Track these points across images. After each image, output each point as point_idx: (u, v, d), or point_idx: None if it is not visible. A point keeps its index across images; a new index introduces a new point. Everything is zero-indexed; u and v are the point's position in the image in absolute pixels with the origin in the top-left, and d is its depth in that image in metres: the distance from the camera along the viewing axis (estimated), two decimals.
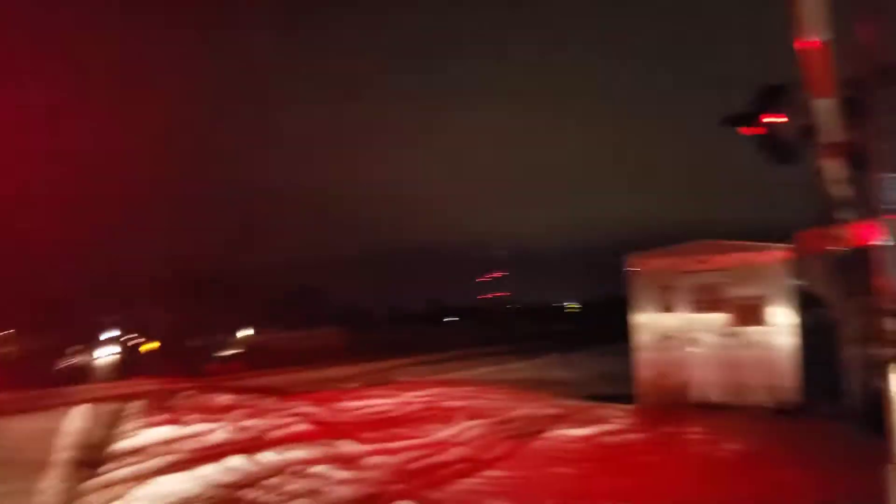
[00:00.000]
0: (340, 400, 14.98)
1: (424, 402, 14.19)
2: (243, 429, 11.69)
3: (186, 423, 12.16)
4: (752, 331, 12.19)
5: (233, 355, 37.42)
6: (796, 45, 5.28)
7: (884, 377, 5.84)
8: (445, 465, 8.88)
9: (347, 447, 9.95)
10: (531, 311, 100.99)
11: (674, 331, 12.94)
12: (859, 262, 5.62)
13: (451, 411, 12.82)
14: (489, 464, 8.80)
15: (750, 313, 12.23)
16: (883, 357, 5.70)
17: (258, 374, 24.61)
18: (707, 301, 12.69)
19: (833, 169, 5.43)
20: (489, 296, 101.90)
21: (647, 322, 13.16)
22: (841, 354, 6.02)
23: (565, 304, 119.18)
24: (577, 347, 30.97)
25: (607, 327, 21.87)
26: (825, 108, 5.36)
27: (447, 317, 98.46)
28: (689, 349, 12.76)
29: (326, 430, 11.22)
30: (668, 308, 13.05)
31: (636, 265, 13.35)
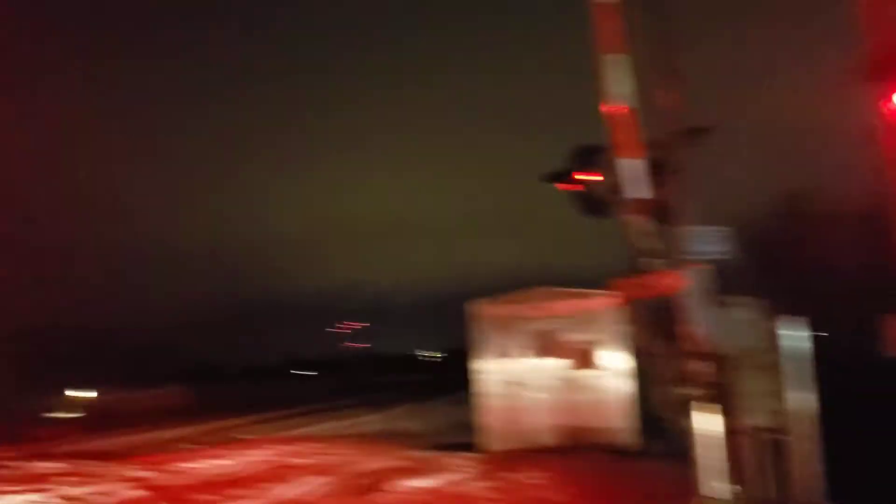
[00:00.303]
0: (179, 461, 14.22)
1: (269, 461, 13.73)
2: (69, 498, 10.83)
3: (4, 494, 11.13)
4: (588, 375, 12.74)
5: (69, 417, 34.72)
6: (602, 110, 5.71)
7: (687, 415, 6.28)
8: None
9: None
10: (390, 361, 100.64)
11: (514, 377, 13.30)
12: (667, 309, 6.01)
13: (296, 469, 12.47)
14: None
15: (586, 358, 12.79)
16: (686, 396, 6.13)
17: (96, 436, 22.96)
18: (545, 347, 13.17)
19: (640, 223, 5.84)
20: (347, 347, 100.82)
21: (489, 369, 13.45)
22: (653, 395, 6.41)
23: (426, 353, 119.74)
24: (433, 397, 31.12)
25: (465, 376, 22.15)
26: (630, 168, 5.79)
27: (303, 370, 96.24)
28: (529, 395, 13.12)
29: (159, 495, 10.59)
30: (508, 354, 13.42)
31: (476, 313, 13.67)
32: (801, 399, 7.05)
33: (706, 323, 5.46)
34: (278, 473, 12.15)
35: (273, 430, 20.89)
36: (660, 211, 6.32)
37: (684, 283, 5.49)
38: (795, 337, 6.85)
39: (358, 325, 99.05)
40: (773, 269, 26.76)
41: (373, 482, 10.91)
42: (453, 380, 36.14)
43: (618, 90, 5.74)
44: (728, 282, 6.19)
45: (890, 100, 3.88)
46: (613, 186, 6.06)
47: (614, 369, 12.46)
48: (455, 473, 11.17)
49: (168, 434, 21.91)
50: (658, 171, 6.36)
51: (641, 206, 5.95)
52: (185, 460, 14.29)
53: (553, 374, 13.05)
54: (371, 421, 22.57)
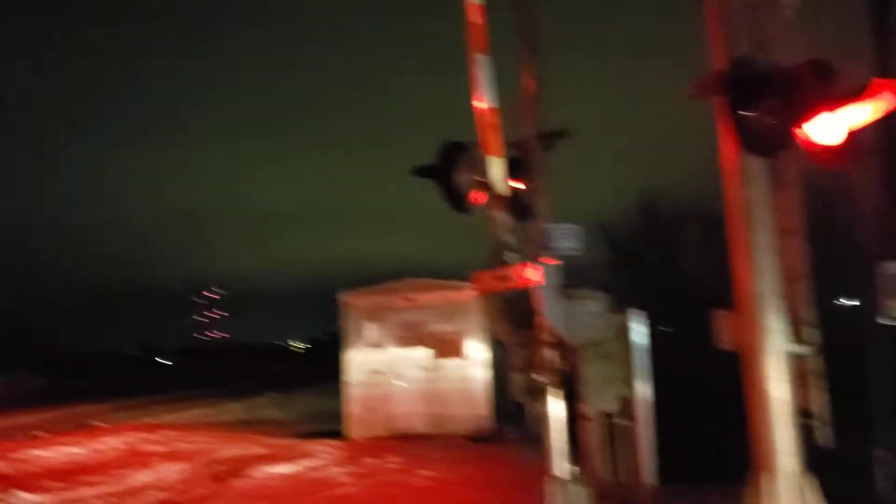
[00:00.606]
0: (28, 449, 13.50)
1: (123, 448, 13.28)
2: None
3: None
4: (452, 364, 13.12)
5: None
6: (473, 107, 5.97)
7: (544, 401, 6.67)
8: None
9: (24, 499, 9.03)
10: (256, 350, 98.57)
11: (381, 366, 13.49)
12: (524, 300, 6.35)
13: (151, 456, 12.14)
14: None
15: (450, 348, 13.17)
16: (538, 383, 6.51)
17: None
18: (412, 337, 13.44)
19: (501, 218, 6.16)
20: (209, 336, 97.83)
21: (357, 358, 13.59)
22: (510, 383, 6.75)
23: (294, 343, 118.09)
24: (297, 387, 30.80)
25: (331, 365, 22.10)
26: (494, 166, 6.08)
27: (161, 358, 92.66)
28: (395, 384, 13.36)
29: (7, 484, 10.06)
30: (376, 344, 13.60)
31: (346, 303, 13.77)
32: (640, 387, 7.65)
33: (557, 314, 5.83)
34: (132, 460, 11.79)
35: (129, 418, 20.10)
36: (519, 208, 6.67)
37: (538, 277, 5.84)
38: (636, 330, 7.41)
39: (220, 314, 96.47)
40: (628, 266, 28.31)
41: (231, 469, 10.81)
42: (321, 369, 35.97)
43: (485, 89, 6.01)
44: (579, 276, 6.61)
45: (731, 112, 4.24)
46: (479, 183, 6.33)
47: (476, 359, 12.90)
48: (315, 460, 11.25)
49: (17, 420, 20.64)
50: (518, 170, 6.71)
51: (503, 202, 6.25)
52: (34, 448, 13.58)
53: (419, 363, 13.34)
54: (232, 410, 22.13)
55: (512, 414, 11.78)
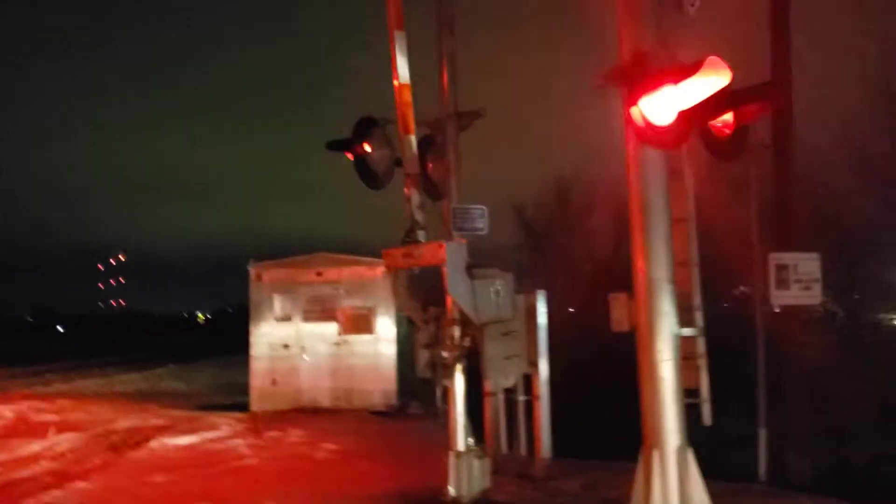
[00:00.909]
0: None
1: (12, 417, 12.77)
2: None
3: None
4: (361, 339, 13.17)
5: None
6: (393, 85, 5.99)
7: (448, 376, 6.81)
8: (29, 480, 8.17)
9: None
10: (158, 321, 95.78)
11: (289, 340, 13.41)
12: (432, 278, 6.45)
13: (43, 425, 11.72)
14: (80, 476, 8.28)
15: (359, 323, 13.20)
16: (448, 359, 6.65)
17: None
18: (321, 311, 13.39)
19: (414, 197, 6.23)
20: (108, 304, 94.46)
21: (265, 331, 13.46)
22: (416, 359, 6.87)
23: (196, 314, 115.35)
24: (200, 358, 30.20)
25: (238, 338, 21.68)
26: (408, 144, 6.13)
27: (56, 325, 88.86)
28: (303, 357, 13.31)
29: None
30: (285, 318, 13.49)
31: (255, 275, 13.59)
32: (541, 365, 7.91)
33: (462, 293, 5.93)
34: (23, 430, 11.39)
35: (20, 387, 19.29)
36: (429, 186, 6.77)
37: (445, 255, 5.93)
38: (536, 309, 7.65)
39: (120, 281, 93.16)
40: (540, 248, 28.92)
41: (127, 439, 10.59)
42: (228, 342, 35.27)
43: (401, 67, 6.05)
44: (492, 255, 6.76)
45: (634, 104, 4.38)
46: (391, 159, 6.39)
47: (384, 335, 12.99)
48: (216, 432, 11.12)
49: None
50: (429, 149, 6.80)
51: (414, 180, 6.33)
52: None
53: (327, 338, 13.33)
54: (132, 380, 21.50)
55: (419, 389, 11.96)
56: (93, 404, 14.76)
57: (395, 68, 6.13)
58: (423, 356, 6.98)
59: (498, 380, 7.04)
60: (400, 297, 6.90)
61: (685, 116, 4.31)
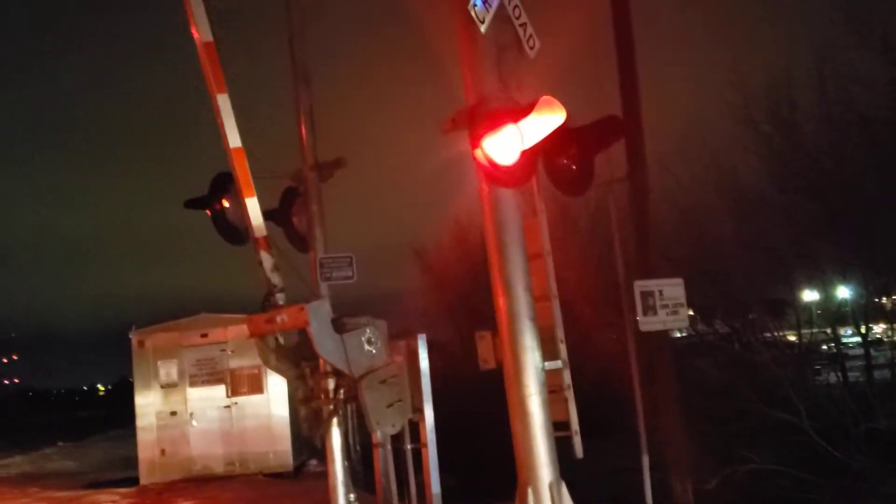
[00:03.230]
0: None
1: None
2: None
3: None
4: (251, 401, 12.77)
5: None
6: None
7: (326, 431, 6.65)
8: None
9: None
10: (51, 397, 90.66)
11: (177, 406, 12.87)
12: (301, 336, 6.27)
13: None
14: None
15: (249, 383, 12.81)
16: (321, 414, 6.49)
17: None
18: (209, 374, 12.94)
19: (266, 260, 6.02)
20: None
21: (149, 400, 12.89)
22: (299, 416, 6.68)
23: (97, 386, 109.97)
24: (96, 432, 28.66)
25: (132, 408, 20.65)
26: (250, 207, 5.95)
27: None
28: (192, 423, 12.79)
29: None
30: (171, 384, 12.96)
31: (137, 342, 13.04)
32: (426, 411, 7.82)
33: (331, 350, 5.82)
34: None
35: None
36: (295, 239, 6.67)
37: (308, 317, 5.79)
38: (416, 354, 7.59)
39: (9, 359, 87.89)
40: (439, 289, 29.04)
41: None
42: (121, 413, 33.60)
43: (230, 130, 5.80)
44: (352, 305, 6.65)
45: (478, 146, 4.45)
46: (243, 216, 6.26)
47: (276, 394, 12.65)
48: None
49: None
50: (294, 201, 6.72)
51: (263, 243, 6.13)
52: None
53: (217, 401, 12.87)
54: (15, 463, 20.10)
55: (312, 447, 11.65)
56: None
57: (224, 133, 5.86)
58: (301, 412, 6.78)
59: (383, 429, 6.89)
60: (269, 362, 6.68)
61: (527, 155, 4.41)
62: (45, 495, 12.56)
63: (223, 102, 5.71)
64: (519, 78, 4.93)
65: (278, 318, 5.93)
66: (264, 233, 5.97)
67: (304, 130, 6.45)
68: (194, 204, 6.13)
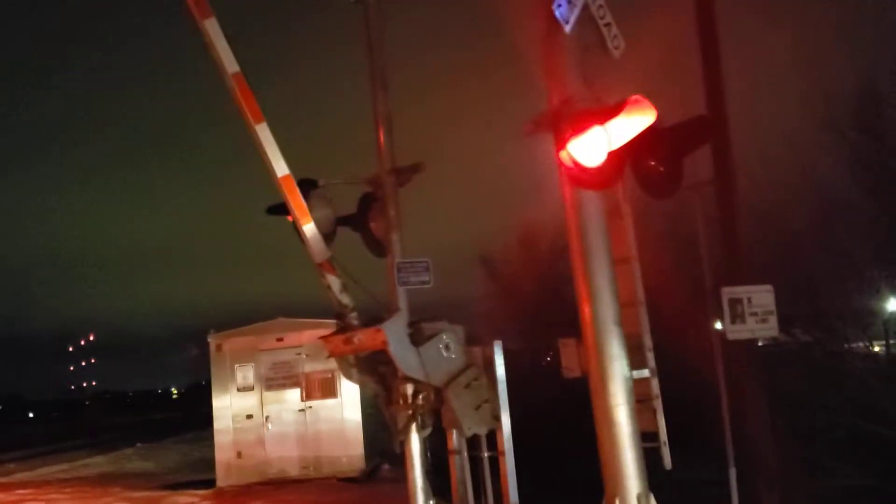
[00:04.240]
0: None
1: None
2: None
3: None
4: (325, 405, 12.87)
5: None
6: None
7: (406, 438, 6.60)
8: None
9: None
10: (127, 399, 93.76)
11: (253, 410, 13.07)
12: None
13: None
14: None
15: (323, 387, 12.92)
16: (404, 421, 6.45)
17: None
18: (284, 378, 13.10)
19: (333, 283, 5.95)
20: (76, 386, 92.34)
21: (226, 403, 13.12)
22: (381, 421, 6.65)
23: (171, 389, 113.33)
24: (170, 435, 29.44)
25: (209, 410, 21.14)
26: (309, 234, 5.88)
27: (27, 412, 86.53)
28: (269, 427, 12.97)
29: None
30: (247, 387, 13.17)
31: (215, 346, 13.30)
32: (503, 419, 7.71)
33: (411, 364, 5.77)
34: None
35: None
36: (372, 244, 6.65)
37: (385, 337, 5.75)
38: (494, 360, 7.49)
39: (89, 363, 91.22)
40: (506, 296, 28.85)
41: None
42: (198, 415, 34.52)
43: (276, 160, 5.71)
44: (430, 310, 6.58)
45: (563, 148, 4.35)
46: (333, 218, 6.27)
47: (349, 398, 12.72)
48: None
49: None
50: (371, 206, 6.70)
51: (328, 266, 6.08)
52: None
53: (291, 405, 13.02)
54: (96, 463, 20.81)
55: (390, 451, 11.66)
56: (53, 491, 14.20)
57: (268, 163, 5.76)
58: (388, 419, 6.74)
59: (476, 431, 6.80)
60: (352, 377, 6.65)
61: (615, 156, 4.28)
62: (127, 495, 12.90)
63: (263, 132, 5.58)
64: (603, 79, 4.82)
65: (355, 339, 5.89)
66: (326, 256, 5.89)
67: (381, 135, 6.42)
68: (277, 210, 6.16)
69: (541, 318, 26.58)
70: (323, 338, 6.11)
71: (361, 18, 6.60)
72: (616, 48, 4.83)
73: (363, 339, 5.79)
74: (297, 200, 5.76)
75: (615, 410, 4.50)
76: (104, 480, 15.85)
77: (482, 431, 7.21)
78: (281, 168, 5.53)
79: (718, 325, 6.87)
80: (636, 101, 4.10)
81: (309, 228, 5.77)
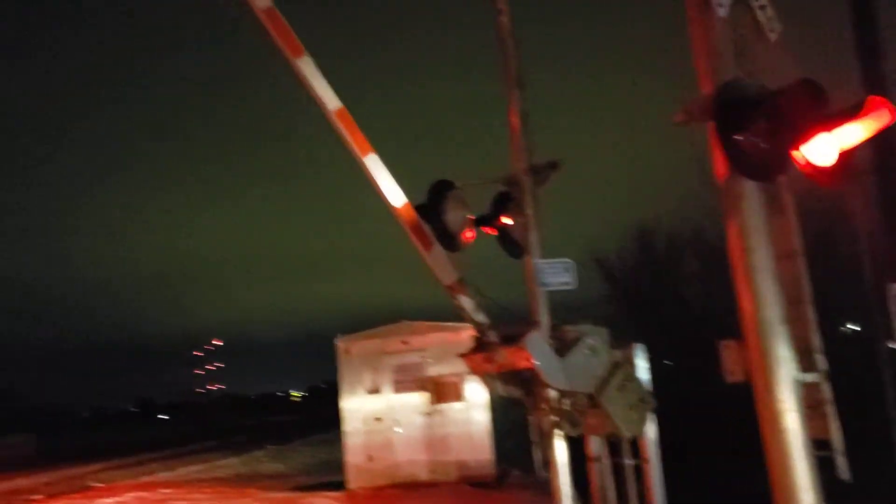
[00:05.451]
0: None
1: None
2: None
3: None
4: (453, 408, 12.85)
5: None
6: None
7: (548, 443, 6.45)
8: None
9: None
10: (253, 402, 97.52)
11: (381, 413, 13.21)
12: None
13: None
14: None
15: (449, 391, 12.91)
16: (548, 426, 6.29)
17: None
18: (411, 381, 13.18)
19: (466, 302, 5.77)
20: (204, 389, 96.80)
21: (355, 406, 13.31)
22: (526, 425, 6.53)
23: (290, 392, 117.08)
24: (296, 437, 30.33)
25: (331, 414, 21.70)
26: (434, 257, 5.72)
27: (159, 414, 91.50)
28: (396, 430, 13.07)
29: None
30: (375, 390, 13.33)
31: (343, 349, 13.53)
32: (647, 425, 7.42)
33: (558, 377, 5.61)
34: None
35: (127, 477, 19.67)
36: (509, 245, 6.53)
37: (529, 354, 5.59)
38: (638, 365, 7.21)
39: (216, 366, 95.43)
40: (623, 298, 28.13)
41: None
42: (322, 418, 35.45)
43: (390, 189, 5.56)
44: (575, 312, 6.38)
45: (723, 136, 4.14)
46: (468, 219, 6.19)
47: (476, 402, 12.65)
48: None
49: (11, 484, 20.14)
50: (506, 206, 6.59)
51: (458, 286, 5.92)
52: None
53: (419, 408, 13.07)
54: (230, 464, 21.67)
55: (516, 456, 11.52)
56: (195, 491, 14.83)
57: (383, 196, 5.61)
58: (532, 423, 6.58)
59: (634, 431, 6.57)
60: (497, 389, 6.51)
61: (780, 143, 4.01)
62: (264, 496, 13.31)
63: (372, 162, 5.46)
64: (760, 63, 4.54)
65: (497, 358, 5.77)
66: (455, 277, 5.74)
67: (517, 134, 6.31)
68: (419, 211, 6.16)
69: (659, 319, 25.83)
70: (463, 356, 6.01)
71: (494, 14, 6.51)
72: (772, 30, 4.56)
73: (506, 357, 5.66)
74: (417, 231, 5.62)
75: (784, 416, 4.20)
76: (239, 481, 16.44)
77: (640, 433, 6.95)
78: (396, 198, 5.39)
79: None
80: (874, 106, 3.80)
81: (433, 254, 5.62)
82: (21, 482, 20.25)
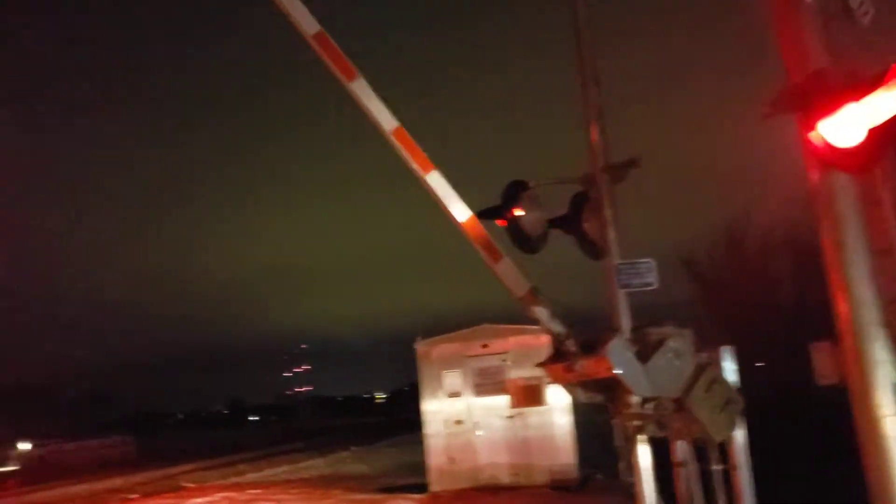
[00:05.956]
0: None
1: None
2: None
3: None
4: (533, 411, 12.73)
5: (5, 472, 33.19)
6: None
7: (631, 447, 6.28)
8: None
9: None
10: (337, 404, 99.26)
11: (461, 415, 13.20)
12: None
13: None
14: None
15: (530, 394, 12.79)
16: (632, 431, 6.13)
17: (34, 489, 21.97)
18: (492, 384, 13.13)
19: (541, 314, 5.65)
20: (292, 391, 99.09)
21: (436, 408, 13.35)
22: (609, 430, 6.37)
23: (374, 394, 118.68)
24: (379, 439, 30.67)
25: (413, 416, 21.87)
26: (506, 268, 5.62)
27: (249, 415, 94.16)
28: (477, 433, 13.04)
29: None
30: (455, 393, 13.33)
31: (423, 352, 13.59)
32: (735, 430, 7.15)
33: (642, 385, 5.46)
34: None
35: (217, 477, 20.30)
36: (587, 246, 6.40)
37: (611, 363, 5.46)
38: (726, 368, 6.96)
39: (302, 369, 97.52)
40: (712, 300, 27.30)
41: None
42: (403, 420, 35.75)
43: (452, 204, 5.47)
44: (659, 313, 6.20)
45: (813, 129, 3.95)
46: (544, 221, 6.10)
47: (557, 405, 12.49)
48: None
49: (109, 483, 21.09)
50: (583, 206, 6.45)
51: (530, 297, 5.83)
52: None
53: (500, 411, 13.00)
54: (316, 465, 22.08)
55: (599, 460, 11.31)
56: (281, 492, 15.16)
57: (447, 212, 5.52)
58: (616, 427, 6.45)
59: (724, 435, 6.36)
60: (579, 396, 6.38)
61: (876, 134, 3.78)
62: (348, 497, 13.49)
63: (435, 180, 5.38)
64: (851, 50, 4.31)
65: (577, 367, 5.64)
66: (526, 288, 5.64)
67: (594, 132, 6.18)
68: (489, 214, 6.09)
69: (750, 321, 24.97)
70: (543, 365, 5.91)
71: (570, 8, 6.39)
72: (864, 14, 4.31)
73: (587, 367, 5.52)
74: (485, 245, 5.54)
75: (882, 422, 3.97)
76: (325, 482, 16.72)
77: (729, 436, 6.71)
78: (462, 213, 5.29)
79: None
80: None
81: (502, 266, 5.53)
82: (118, 482, 21.16)
